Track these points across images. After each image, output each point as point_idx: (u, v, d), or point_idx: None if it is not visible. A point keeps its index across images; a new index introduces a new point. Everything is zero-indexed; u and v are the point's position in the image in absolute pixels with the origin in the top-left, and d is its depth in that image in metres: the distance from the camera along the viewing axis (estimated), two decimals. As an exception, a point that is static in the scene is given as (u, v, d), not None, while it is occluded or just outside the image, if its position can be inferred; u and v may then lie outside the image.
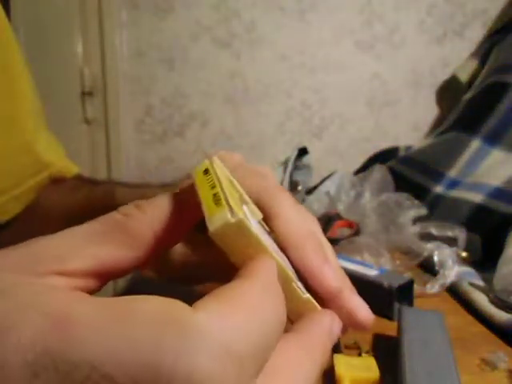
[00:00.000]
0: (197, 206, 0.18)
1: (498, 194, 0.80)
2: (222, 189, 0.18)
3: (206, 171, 0.20)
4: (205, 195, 0.18)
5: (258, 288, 0.15)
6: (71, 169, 0.48)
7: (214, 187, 0.18)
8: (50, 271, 0.16)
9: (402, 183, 0.88)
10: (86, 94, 1.43)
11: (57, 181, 0.46)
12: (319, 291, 0.21)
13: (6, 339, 0.13)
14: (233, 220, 0.16)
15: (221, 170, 0.21)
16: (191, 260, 0.28)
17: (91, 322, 0.13)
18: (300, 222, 0.23)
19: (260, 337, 0.13)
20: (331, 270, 0.21)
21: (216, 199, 0.17)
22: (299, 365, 0.16)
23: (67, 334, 0.13)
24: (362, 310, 0.22)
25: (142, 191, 0.37)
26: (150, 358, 0.12)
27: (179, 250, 0.28)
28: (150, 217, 0.18)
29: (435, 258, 0.60)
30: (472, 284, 0.56)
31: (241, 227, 0.16)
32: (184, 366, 0.12)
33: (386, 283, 0.50)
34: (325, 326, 0.19)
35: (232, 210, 0.16)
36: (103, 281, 0.17)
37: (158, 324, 0.12)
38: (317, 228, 0.24)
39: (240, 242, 0.17)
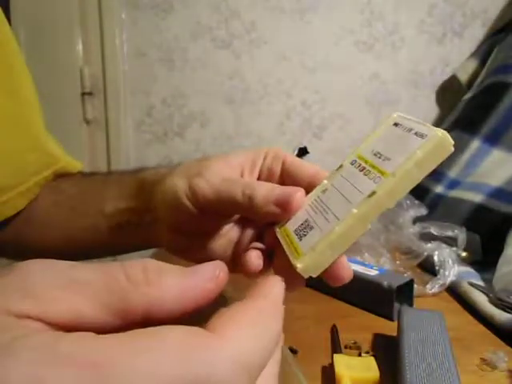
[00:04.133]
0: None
1: (498, 194, 0.80)
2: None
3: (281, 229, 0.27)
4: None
5: (269, 310, 0.18)
6: (75, 165, 0.48)
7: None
8: (32, 316, 0.15)
9: (401, 183, 0.88)
10: (85, 94, 1.43)
11: (60, 176, 0.47)
12: None
13: None
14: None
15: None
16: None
17: (123, 359, 0.13)
18: None
19: (266, 353, 0.16)
20: None
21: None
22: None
23: (103, 378, 0.12)
24: None
25: (140, 176, 0.38)
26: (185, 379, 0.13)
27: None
28: (152, 299, 0.16)
29: (435, 258, 0.60)
30: (472, 284, 0.56)
31: None
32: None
33: (385, 283, 0.50)
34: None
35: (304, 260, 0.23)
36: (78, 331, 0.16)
37: (186, 351, 0.14)
38: None
39: None
